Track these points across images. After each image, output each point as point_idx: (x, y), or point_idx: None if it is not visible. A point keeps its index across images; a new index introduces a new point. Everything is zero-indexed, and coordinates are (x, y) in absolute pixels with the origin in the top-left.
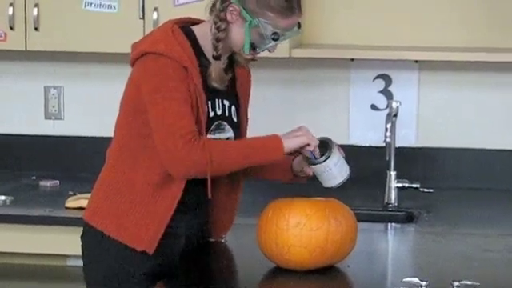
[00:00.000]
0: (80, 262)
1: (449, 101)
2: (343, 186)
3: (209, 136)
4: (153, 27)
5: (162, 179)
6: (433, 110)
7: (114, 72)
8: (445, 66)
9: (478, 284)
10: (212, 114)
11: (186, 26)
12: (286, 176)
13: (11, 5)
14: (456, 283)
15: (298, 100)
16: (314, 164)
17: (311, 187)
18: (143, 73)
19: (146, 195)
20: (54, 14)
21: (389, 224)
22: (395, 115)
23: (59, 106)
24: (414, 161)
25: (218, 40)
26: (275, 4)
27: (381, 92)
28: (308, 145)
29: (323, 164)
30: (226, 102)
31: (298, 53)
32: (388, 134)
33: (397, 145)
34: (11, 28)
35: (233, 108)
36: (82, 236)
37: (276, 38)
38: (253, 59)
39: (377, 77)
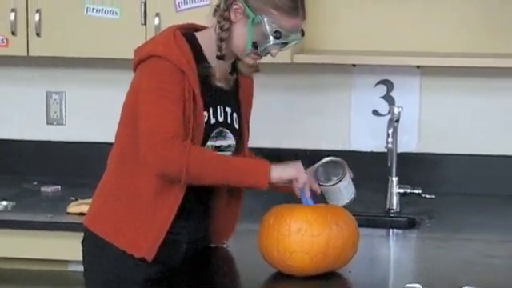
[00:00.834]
0: (81, 268)
1: (450, 106)
2: None
3: (210, 143)
4: (155, 33)
5: (162, 186)
6: (434, 116)
7: (115, 78)
8: (447, 72)
9: None
10: (213, 120)
11: (188, 32)
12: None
13: (13, 10)
14: None
15: (299, 105)
16: (325, 185)
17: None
18: (143, 74)
19: (147, 202)
20: (56, 20)
21: (390, 230)
22: (397, 121)
23: (61, 111)
24: (415, 166)
25: (221, 40)
26: (280, 2)
27: (383, 97)
28: (296, 180)
29: (334, 186)
30: (228, 109)
31: (300, 58)
32: (390, 139)
33: (398, 150)
34: (13, 33)
35: (234, 115)
36: (82, 241)
37: (278, 36)
38: (256, 69)
39: (379, 82)
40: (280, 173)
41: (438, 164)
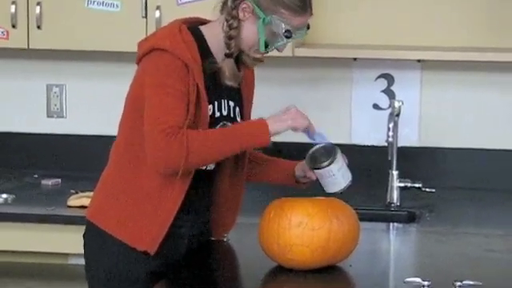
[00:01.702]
0: (82, 261)
1: (451, 100)
2: None
3: None
4: (155, 26)
5: (165, 179)
6: (435, 110)
7: (116, 70)
8: (447, 66)
9: (481, 284)
10: (218, 114)
11: (193, 26)
12: (289, 181)
13: (13, 3)
14: (458, 283)
15: (300, 99)
16: (317, 168)
17: (313, 187)
18: (148, 68)
19: (149, 195)
20: (57, 13)
21: (391, 224)
22: (397, 115)
23: (61, 104)
24: (416, 160)
25: (230, 38)
26: (289, 1)
27: (383, 91)
28: (295, 128)
29: (327, 169)
30: (231, 103)
31: (301, 52)
32: (390, 133)
33: (399, 144)
34: (13, 26)
35: (237, 109)
36: (83, 234)
37: (289, 35)
38: (260, 60)
39: (379, 76)
40: (278, 127)
41: (438, 158)
